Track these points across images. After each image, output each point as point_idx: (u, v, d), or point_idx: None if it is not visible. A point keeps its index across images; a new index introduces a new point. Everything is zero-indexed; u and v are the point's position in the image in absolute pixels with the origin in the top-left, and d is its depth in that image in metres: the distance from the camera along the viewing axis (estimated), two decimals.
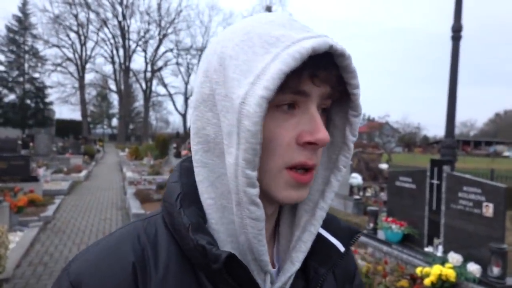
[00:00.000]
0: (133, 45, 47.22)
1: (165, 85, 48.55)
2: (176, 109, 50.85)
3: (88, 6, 42.58)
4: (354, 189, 8.00)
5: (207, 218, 0.51)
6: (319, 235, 0.58)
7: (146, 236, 0.53)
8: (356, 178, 7.77)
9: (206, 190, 0.52)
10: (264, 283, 0.51)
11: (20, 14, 39.72)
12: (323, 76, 0.47)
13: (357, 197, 7.62)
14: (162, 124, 56.90)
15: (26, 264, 5.08)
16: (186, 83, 49.39)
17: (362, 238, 4.83)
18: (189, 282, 0.50)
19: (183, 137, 22.10)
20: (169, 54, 48.88)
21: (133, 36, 47.02)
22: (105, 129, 66.70)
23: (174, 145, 17.57)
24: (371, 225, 4.76)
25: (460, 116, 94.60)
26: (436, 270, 3.37)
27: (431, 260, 3.72)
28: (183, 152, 21.48)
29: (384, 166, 11.72)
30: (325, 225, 0.59)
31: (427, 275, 3.41)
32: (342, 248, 0.59)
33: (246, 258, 0.50)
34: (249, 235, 0.48)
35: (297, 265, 0.54)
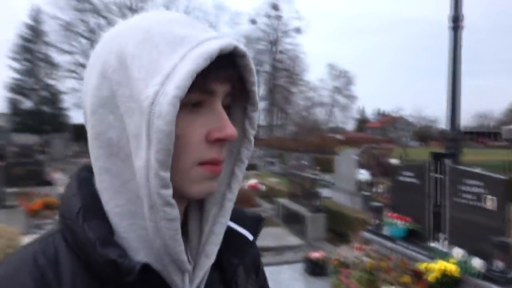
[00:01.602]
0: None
1: None
2: None
3: (97, 12, 43.20)
4: (362, 185, 7.96)
5: (114, 228, 0.50)
6: (227, 227, 0.58)
7: (45, 259, 0.49)
8: (364, 174, 7.74)
9: (112, 197, 0.50)
10: (183, 283, 0.51)
11: (32, 23, 40.59)
12: (227, 75, 0.49)
13: (365, 193, 7.60)
14: None
15: None
16: None
17: (367, 235, 4.84)
18: None
19: None
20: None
21: None
22: None
23: None
24: (376, 221, 4.77)
25: (479, 107, 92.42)
26: (439, 265, 3.37)
27: (435, 255, 3.72)
28: None
29: (395, 161, 11.62)
30: (231, 217, 0.59)
31: (431, 270, 3.41)
32: (250, 237, 0.61)
33: (163, 261, 0.49)
34: (166, 237, 0.47)
35: (212, 258, 0.55)
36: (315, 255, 4.86)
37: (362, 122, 69.50)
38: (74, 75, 43.75)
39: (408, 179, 4.53)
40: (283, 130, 54.39)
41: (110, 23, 44.32)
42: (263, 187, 10.17)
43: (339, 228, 6.69)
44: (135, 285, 0.46)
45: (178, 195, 0.48)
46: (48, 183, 10.09)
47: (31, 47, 40.66)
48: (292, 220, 7.36)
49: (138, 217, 0.48)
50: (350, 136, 45.30)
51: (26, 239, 5.58)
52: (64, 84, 43.01)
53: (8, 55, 40.10)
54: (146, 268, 0.45)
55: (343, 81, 58.36)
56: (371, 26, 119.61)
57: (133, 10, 44.78)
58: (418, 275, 3.52)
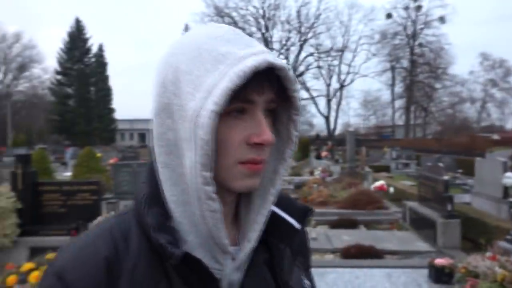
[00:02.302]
0: (276, 54, 49.94)
1: (307, 89, 49.77)
2: (319, 111, 51.52)
3: (235, 24, 47.11)
4: (510, 190, 6.90)
5: (171, 213, 0.58)
6: (277, 216, 0.66)
7: (119, 231, 0.59)
8: (511, 178, 6.69)
9: (169, 188, 0.58)
10: (225, 261, 0.59)
11: None
12: (266, 87, 0.56)
13: None
14: (307, 127, 58.37)
15: None
16: (328, 85, 49.64)
17: (505, 244, 4.23)
18: (157, 271, 0.56)
19: (324, 138, 22.38)
20: (310, 58, 49.70)
21: (276, 45, 49.70)
22: None
23: (315, 146, 17.99)
24: None
25: None
26: None
27: None
28: (323, 154, 21.77)
29: None
30: (282, 206, 0.67)
31: None
32: (298, 226, 0.67)
33: (208, 243, 0.57)
34: (209, 224, 0.55)
35: (252, 243, 0.62)
36: (441, 261, 4.48)
37: None
38: None
39: None
40: (423, 129, 50.00)
41: (248, 34, 47.72)
42: (391, 189, 9.68)
43: (478, 236, 5.97)
44: (182, 266, 0.55)
45: (226, 188, 0.57)
46: None
47: None
48: (421, 225, 6.86)
49: (189, 205, 0.56)
50: (509, 136, 38.82)
51: None
52: None
53: None
54: (187, 256, 0.53)
55: (499, 72, 50.32)
56: None
57: (267, 18, 47.46)
58: None
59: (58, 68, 44.73)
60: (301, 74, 49.40)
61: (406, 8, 47.26)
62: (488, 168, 7.88)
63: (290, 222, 0.67)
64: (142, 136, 56.33)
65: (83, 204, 5.31)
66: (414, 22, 47.44)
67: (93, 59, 46.82)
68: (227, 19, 46.66)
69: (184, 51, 0.56)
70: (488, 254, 4.10)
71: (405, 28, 47.85)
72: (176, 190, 0.57)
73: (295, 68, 48.92)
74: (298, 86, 0.60)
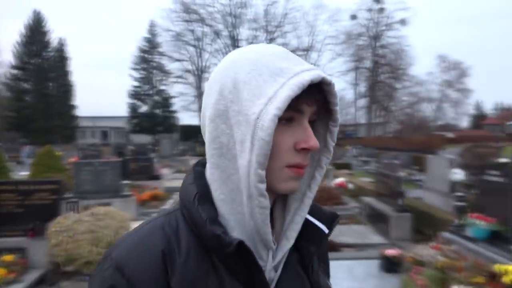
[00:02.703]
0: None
1: None
2: None
3: (203, 21, 46.71)
4: (457, 185, 7.42)
5: (219, 211, 0.63)
6: (307, 220, 0.71)
7: (170, 228, 0.63)
8: (459, 174, 7.20)
9: (219, 187, 0.63)
10: (268, 257, 0.64)
11: (149, 36, 45.88)
12: (314, 99, 0.62)
13: (459, 193, 7.07)
14: None
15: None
16: None
17: (448, 235, 4.61)
18: (206, 263, 0.61)
19: None
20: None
21: (243, 43, 49.74)
22: None
23: None
24: (457, 221, 4.52)
25: None
26: None
27: None
28: None
29: (505, 160, 10.42)
30: (311, 212, 0.72)
31: (507, 272, 3.20)
32: (326, 230, 0.72)
33: (254, 239, 0.62)
34: (258, 220, 0.60)
35: (291, 241, 0.67)
36: (391, 252, 4.81)
37: (479, 118, 62.20)
38: (182, 80, 48.19)
39: (494, 178, 4.22)
40: (384, 128, 51.82)
41: (215, 31, 47.74)
42: (351, 186, 10.08)
43: (427, 228, 6.39)
44: (231, 256, 0.59)
45: (269, 189, 0.60)
46: (157, 177, 11.44)
47: (148, 57, 45.94)
48: (376, 219, 7.23)
49: (237, 204, 0.62)
50: (462, 134, 41.03)
51: (135, 224, 6.59)
52: (173, 89, 47.65)
53: (130, 66, 45.86)
54: (241, 244, 0.58)
55: (455, 74, 53.03)
56: (489, 10, 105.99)
57: (234, 16, 47.41)
58: (493, 277, 3.32)
59: (14, 62, 42.57)
60: None
61: (370, 10, 48.72)
62: (437, 164, 8.42)
63: (319, 227, 0.72)
64: (105, 134, 54.71)
65: (41, 204, 5.19)
66: (376, 24, 48.97)
67: (53, 54, 44.93)
68: (194, 16, 46.20)
69: (241, 65, 0.62)
70: (432, 244, 4.45)
71: (368, 29, 49.32)
72: (225, 189, 0.62)
73: None
74: (338, 100, 0.66)
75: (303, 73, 0.59)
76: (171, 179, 13.33)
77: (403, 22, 47.12)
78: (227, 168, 0.62)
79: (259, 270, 0.60)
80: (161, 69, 46.35)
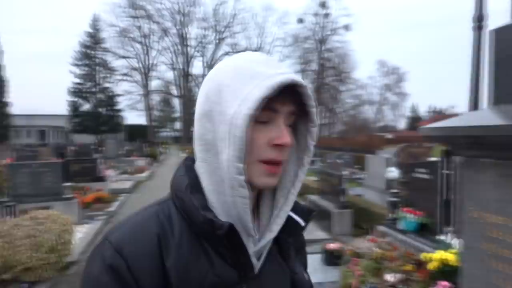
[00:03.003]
0: (191, 51, 49.51)
1: None
2: None
3: (150, 18, 45.48)
4: (392, 182, 8.00)
5: (208, 200, 0.69)
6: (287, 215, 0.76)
7: (163, 215, 0.69)
8: (393, 172, 7.78)
9: (206, 179, 0.70)
10: (249, 243, 0.70)
11: (91, 30, 43.68)
12: (288, 99, 0.68)
13: (394, 190, 7.63)
14: None
15: (91, 250, 5.95)
16: None
17: (383, 228, 5.00)
18: (197, 247, 0.67)
19: None
20: (226, 57, 50.21)
21: (192, 42, 49.22)
22: (169, 132, 70.58)
23: None
24: (391, 215, 4.93)
25: None
26: (439, 255, 3.52)
27: (441, 247, 3.85)
28: None
29: (433, 159, 11.34)
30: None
31: (432, 260, 3.57)
32: (303, 223, 0.79)
33: (237, 226, 0.67)
34: (239, 208, 0.66)
35: (274, 233, 0.73)
36: (333, 246, 5.11)
37: (415, 120, 66.71)
38: (128, 78, 46.57)
39: (422, 176, 4.66)
40: (329, 129, 53.86)
41: (163, 28, 46.74)
42: None
43: (365, 223, 6.84)
44: (220, 239, 0.66)
45: (250, 184, 0.67)
46: (101, 179, 11.04)
47: (90, 53, 43.71)
48: (320, 216, 7.59)
49: (222, 194, 0.68)
50: (400, 135, 43.77)
51: (78, 228, 6.37)
52: (119, 87, 45.88)
53: (70, 62, 43.32)
54: (231, 226, 0.64)
55: (393, 78, 56.49)
56: (425, 20, 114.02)
57: (183, 14, 46.70)
58: (420, 264, 3.69)
59: None
60: None
61: (316, 14, 50.32)
62: (376, 164, 9.02)
63: (297, 220, 0.78)
64: (42, 133, 51.27)
65: None
66: (322, 28, 50.72)
67: None
68: (140, 12, 44.80)
69: (225, 70, 0.69)
70: (369, 237, 4.80)
71: (314, 33, 50.95)
72: (212, 180, 0.69)
73: (211, 66, 48.98)
74: (315, 102, 0.71)
75: (276, 76, 0.64)
76: (117, 180, 12.93)
77: (346, 27, 49.28)
78: (212, 162, 0.68)
79: (245, 252, 0.67)
80: (105, 66, 44.35)
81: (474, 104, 5.37)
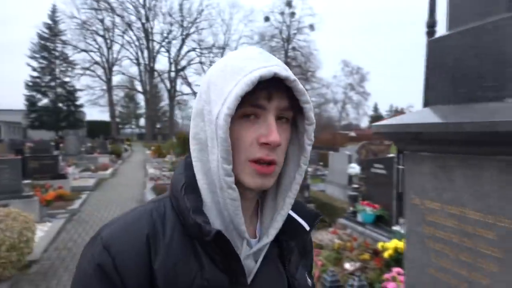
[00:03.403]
0: (157, 46, 48.53)
1: (189, 84, 49.69)
2: None
3: (113, 11, 44.13)
4: (353, 178, 8.38)
5: (204, 200, 0.67)
6: (290, 217, 0.74)
7: (157, 214, 0.67)
8: (354, 168, 8.15)
9: (201, 178, 0.67)
10: (242, 246, 0.67)
11: (50, 22, 41.74)
12: (274, 94, 0.63)
13: (355, 185, 8.00)
14: (188, 122, 58.25)
15: (53, 249, 5.81)
16: None
17: (343, 221, 5.27)
18: (188, 248, 0.65)
19: None
20: (192, 54, 49.57)
21: (157, 37, 48.27)
22: (133, 129, 68.94)
23: None
24: (351, 208, 5.20)
25: None
26: (393, 244, 3.80)
27: (395, 236, 4.15)
28: None
29: (391, 155, 11.89)
30: (295, 209, 0.75)
31: (386, 249, 3.85)
32: (307, 227, 0.75)
33: (229, 227, 0.65)
34: (230, 211, 0.64)
35: (270, 237, 0.70)
36: None
37: (376, 119, 68.93)
38: (89, 72, 44.99)
39: (379, 171, 4.96)
40: None
41: (126, 22, 45.51)
42: None
43: (328, 217, 7.13)
44: (211, 244, 0.63)
45: (241, 184, 0.65)
46: (62, 176, 10.71)
47: (48, 45, 41.78)
48: None
49: (215, 194, 0.65)
50: (363, 133, 45.20)
51: (39, 227, 6.20)
52: (80, 81, 44.22)
53: (27, 54, 41.24)
54: (219, 233, 0.61)
55: (356, 78, 58.19)
56: (386, 22, 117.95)
57: (148, 8, 45.68)
58: (376, 253, 3.96)
59: None
60: (183, 68, 49.03)
61: (282, 13, 50.74)
62: (338, 160, 9.38)
63: (301, 223, 0.75)
64: None
65: None
66: (288, 27, 51.27)
67: None
68: (103, 5, 43.38)
69: (215, 67, 0.68)
70: (331, 229, 5.06)
71: (281, 32, 51.40)
72: (206, 180, 0.66)
73: (176, 62, 48.32)
74: (308, 97, 0.66)
75: (256, 70, 0.60)
76: (78, 178, 12.59)
77: (311, 27, 50.06)
78: (206, 162, 0.66)
79: (236, 258, 0.64)
80: (65, 59, 42.59)
81: (426, 104, 5.74)
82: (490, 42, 1.37)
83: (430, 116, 1.55)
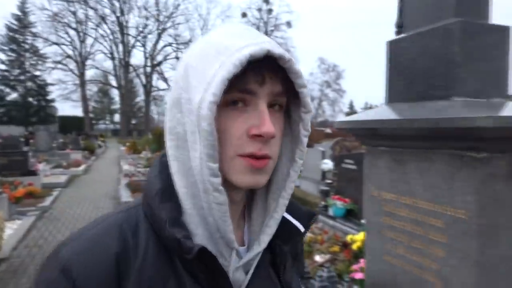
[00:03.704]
0: (132, 41, 47.62)
1: (165, 79, 49.06)
2: None
3: (86, 3, 42.96)
4: (327, 173, 8.57)
5: (183, 206, 0.56)
6: (284, 219, 0.64)
7: (128, 226, 0.56)
8: (327, 164, 8.33)
9: (180, 180, 0.56)
10: (231, 257, 0.57)
11: (19, 13, 40.26)
12: (267, 76, 0.53)
13: (328, 181, 8.19)
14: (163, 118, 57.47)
15: (23, 246, 5.69)
16: None
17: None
18: (166, 266, 0.54)
19: None
20: (168, 49, 48.94)
21: (132, 31, 47.33)
22: (107, 125, 67.55)
23: None
24: (322, 203, 5.35)
25: None
26: (360, 236, 3.95)
27: (364, 229, 4.31)
28: None
29: (362, 151, 12.18)
30: (288, 209, 0.65)
31: (355, 241, 4.00)
32: (302, 229, 0.67)
33: (215, 236, 0.55)
34: (216, 217, 0.54)
35: (263, 245, 0.61)
36: None
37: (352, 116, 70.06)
38: (61, 66, 43.71)
39: (349, 166, 5.12)
40: None
41: (100, 15, 44.39)
42: None
43: None
44: (193, 260, 0.52)
45: (229, 183, 0.55)
46: (33, 173, 10.45)
47: (17, 37, 40.33)
48: None
49: (198, 198, 0.55)
50: (338, 130, 45.90)
51: (9, 225, 6.06)
52: (51, 75, 42.96)
53: None
54: (202, 250, 0.51)
55: (332, 75, 59.07)
56: (362, 20, 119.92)
57: (122, 1, 44.72)
58: (346, 245, 4.11)
59: None
60: (159, 63, 48.36)
61: (259, 9, 50.79)
62: (312, 156, 9.56)
63: (295, 225, 0.66)
64: None
65: None
66: (266, 24, 51.37)
67: None
68: None
69: (195, 48, 0.57)
70: None
71: (258, 28, 51.41)
72: (186, 182, 0.56)
73: (152, 57, 47.61)
74: (304, 80, 0.57)
75: (245, 48, 0.51)
76: (50, 174, 12.30)
77: (288, 24, 50.39)
78: (186, 160, 0.55)
79: (223, 275, 0.55)
80: (35, 52, 41.19)
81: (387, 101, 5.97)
82: (439, 44, 1.49)
83: (386, 113, 1.65)
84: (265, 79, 0.53)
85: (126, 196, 8.50)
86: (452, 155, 1.36)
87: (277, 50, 0.52)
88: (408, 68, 1.64)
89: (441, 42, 1.46)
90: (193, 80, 0.53)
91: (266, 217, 0.62)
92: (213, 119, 0.50)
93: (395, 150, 1.64)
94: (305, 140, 0.60)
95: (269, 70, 0.53)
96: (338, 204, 4.96)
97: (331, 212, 5.18)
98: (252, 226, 0.63)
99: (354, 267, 3.55)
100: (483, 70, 1.46)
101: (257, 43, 0.52)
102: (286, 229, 0.65)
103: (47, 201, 8.61)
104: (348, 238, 4.15)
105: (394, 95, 1.73)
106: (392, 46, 1.75)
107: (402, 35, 1.69)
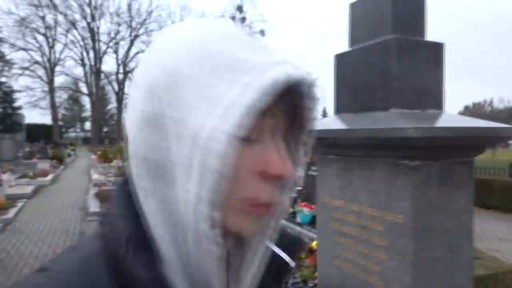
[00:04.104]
0: (103, 47, 46.84)
1: None
2: None
3: (55, 8, 41.99)
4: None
5: (160, 252, 0.43)
6: (272, 253, 0.54)
7: (82, 281, 0.41)
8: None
9: (159, 222, 0.44)
10: None
11: None
12: (287, 107, 0.45)
13: (299, 188, 8.32)
14: None
15: None
16: None
17: (282, 221, 5.49)
18: None
19: None
20: (141, 55, 48.55)
21: (104, 37, 46.79)
22: (78, 133, 65.80)
23: None
24: (291, 209, 5.43)
25: None
26: None
27: None
28: None
29: None
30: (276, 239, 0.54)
31: None
32: (291, 262, 0.58)
33: None
34: (206, 274, 0.43)
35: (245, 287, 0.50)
36: None
37: None
38: (29, 73, 42.38)
39: (315, 173, 5.23)
40: None
41: (70, 21, 43.40)
42: None
43: None
44: None
45: (225, 230, 0.44)
46: None
47: None
48: None
49: (183, 245, 0.43)
50: None
51: None
52: (18, 82, 41.55)
53: None
54: None
55: None
56: (333, 30, 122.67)
57: (94, 7, 43.95)
58: (312, 252, 4.18)
59: None
60: (132, 70, 47.71)
61: (233, 18, 51.05)
62: None
63: (285, 260, 0.58)
64: None
65: None
66: None
67: None
68: (44, 1, 41.12)
69: (183, 49, 0.42)
70: None
71: None
72: (167, 225, 0.43)
73: (125, 64, 46.97)
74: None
75: (273, 69, 0.40)
76: (14, 185, 11.87)
77: (262, 32, 50.93)
78: (166, 196, 0.43)
79: None
80: (1, 57, 39.79)
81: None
82: (379, 59, 1.59)
83: (333, 123, 1.74)
84: (285, 109, 0.45)
85: (94, 206, 8.32)
86: (390, 163, 1.45)
87: (310, 75, 0.43)
88: (352, 81, 1.73)
89: (380, 56, 1.56)
90: (188, 96, 0.40)
91: (246, 252, 0.51)
92: (233, 157, 0.38)
93: (343, 158, 1.72)
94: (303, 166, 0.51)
95: (286, 99, 0.43)
96: (305, 211, 5.05)
97: (298, 218, 5.26)
98: (231, 265, 0.51)
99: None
100: (418, 84, 1.57)
101: (284, 62, 0.42)
102: (275, 265, 0.55)
103: (11, 212, 8.31)
104: (314, 244, 4.22)
105: (341, 106, 1.82)
106: (339, 59, 1.84)
107: (348, 49, 1.79)
